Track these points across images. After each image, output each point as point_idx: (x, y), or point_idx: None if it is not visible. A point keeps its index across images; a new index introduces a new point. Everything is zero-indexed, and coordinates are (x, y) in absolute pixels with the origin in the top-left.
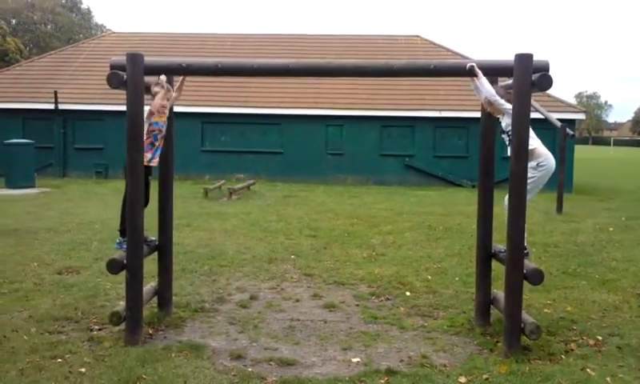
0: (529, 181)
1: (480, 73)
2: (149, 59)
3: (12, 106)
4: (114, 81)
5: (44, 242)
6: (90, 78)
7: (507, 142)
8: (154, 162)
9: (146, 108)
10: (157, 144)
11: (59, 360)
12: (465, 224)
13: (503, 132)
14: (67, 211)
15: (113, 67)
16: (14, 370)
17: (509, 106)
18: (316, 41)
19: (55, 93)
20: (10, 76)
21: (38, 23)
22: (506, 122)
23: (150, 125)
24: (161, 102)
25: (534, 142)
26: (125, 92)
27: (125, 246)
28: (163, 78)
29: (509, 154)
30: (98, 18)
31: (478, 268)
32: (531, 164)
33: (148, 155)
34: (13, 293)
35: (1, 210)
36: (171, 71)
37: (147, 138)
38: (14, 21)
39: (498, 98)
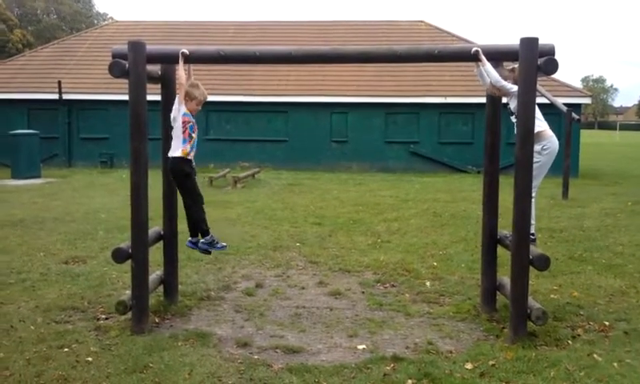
0: (534, 165)
1: (484, 59)
2: (151, 47)
3: (17, 97)
4: (115, 70)
5: (50, 232)
6: (93, 67)
7: (515, 122)
8: (192, 155)
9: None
10: (194, 136)
11: (66, 349)
12: (470, 210)
13: (512, 113)
14: (73, 201)
15: (115, 56)
16: (21, 360)
17: (516, 88)
18: (319, 27)
19: (59, 83)
20: (14, 66)
21: (41, 13)
22: (514, 104)
23: (183, 116)
24: (197, 107)
25: (542, 124)
26: (127, 81)
27: (206, 246)
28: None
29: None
30: (100, 6)
31: (483, 254)
32: (536, 147)
33: (187, 148)
34: (19, 283)
35: (7, 200)
36: (173, 59)
37: (184, 131)
38: (16, 10)
39: (504, 82)
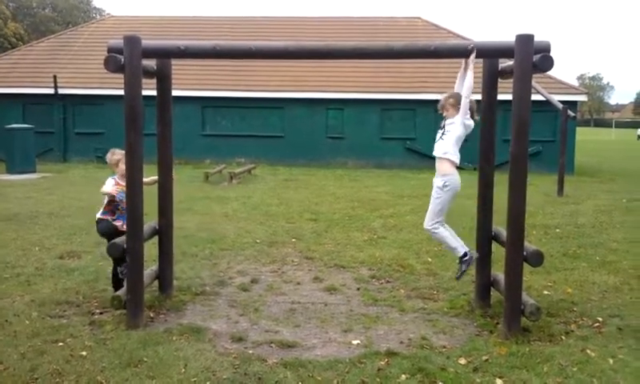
0: (436, 200)
1: (471, 66)
2: (146, 42)
3: (12, 91)
4: (111, 64)
5: (45, 227)
6: (89, 62)
7: (437, 138)
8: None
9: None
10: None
11: (60, 344)
12: (466, 206)
13: (442, 128)
14: (68, 196)
15: (110, 50)
16: (15, 354)
17: (469, 121)
18: (316, 23)
19: (55, 77)
20: (10, 61)
21: (37, 7)
22: (449, 122)
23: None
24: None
25: (456, 157)
26: (122, 76)
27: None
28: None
29: (435, 150)
30: (97, 1)
31: (478, 250)
32: (437, 182)
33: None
34: (14, 277)
35: (1, 194)
36: (169, 54)
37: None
38: (12, 5)
39: (468, 100)
